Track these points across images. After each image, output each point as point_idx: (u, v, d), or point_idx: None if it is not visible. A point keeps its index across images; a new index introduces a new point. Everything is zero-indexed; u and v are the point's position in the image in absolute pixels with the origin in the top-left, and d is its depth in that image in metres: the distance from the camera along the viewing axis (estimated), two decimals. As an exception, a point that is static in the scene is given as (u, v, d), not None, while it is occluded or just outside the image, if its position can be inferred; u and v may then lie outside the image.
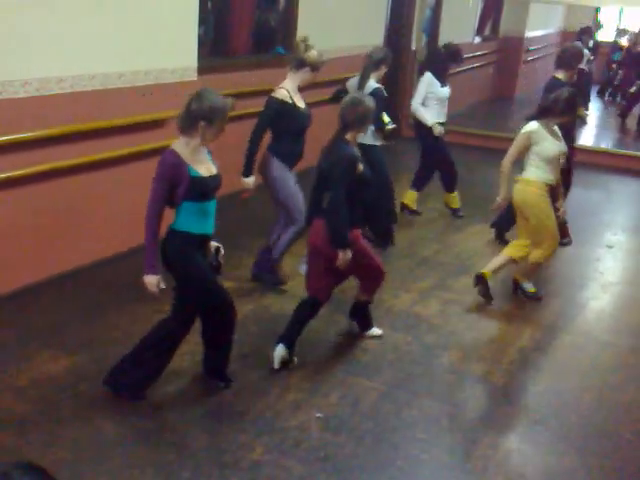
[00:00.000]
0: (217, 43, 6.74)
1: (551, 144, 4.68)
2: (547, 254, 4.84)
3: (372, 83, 5.41)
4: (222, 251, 3.55)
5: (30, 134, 4.33)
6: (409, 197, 6.63)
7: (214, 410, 3.49)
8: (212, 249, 3.51)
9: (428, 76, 6.29)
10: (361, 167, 3.81)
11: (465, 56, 7.10)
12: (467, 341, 4.40)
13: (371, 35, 8.61)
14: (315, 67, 4.61)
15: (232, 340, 3.64)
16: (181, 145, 3.27)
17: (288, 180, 4.64)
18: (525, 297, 5.03)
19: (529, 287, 5.02)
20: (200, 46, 5.70)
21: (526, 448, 3.40)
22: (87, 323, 4.21)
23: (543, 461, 3.31)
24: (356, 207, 3.85)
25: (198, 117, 3.20)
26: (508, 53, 13.08)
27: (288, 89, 4.58)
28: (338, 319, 4.49)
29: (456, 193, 6.68)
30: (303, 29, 7.26)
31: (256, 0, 7.06)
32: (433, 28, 10.39)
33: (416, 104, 6.30)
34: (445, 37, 10.43)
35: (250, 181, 4.62)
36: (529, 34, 13.63)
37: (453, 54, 6.45)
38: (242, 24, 6.83)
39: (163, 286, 3.36)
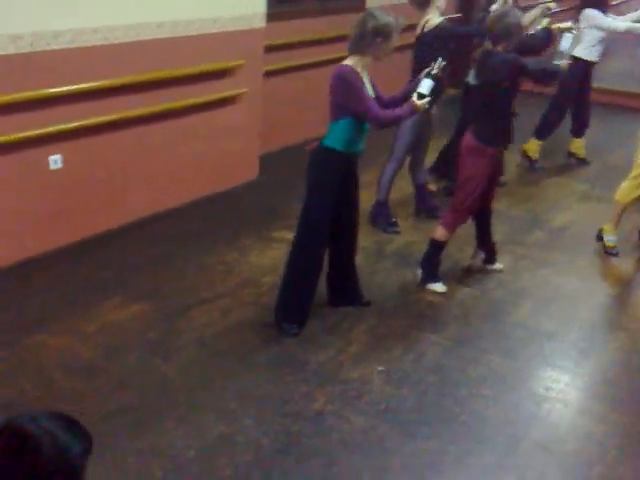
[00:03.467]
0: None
1: None
2: (632, 193, 4.62)
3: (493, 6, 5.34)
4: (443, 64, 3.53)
5: (101, 82, 4.35)
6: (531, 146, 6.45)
7: (277, 359, 3.49)
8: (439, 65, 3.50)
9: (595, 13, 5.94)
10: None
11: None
12: (539, 297, 4.22)
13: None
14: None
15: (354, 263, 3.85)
16: (353, 63, 3.38)
17: (418, 120, 4.63)
18: (604, 251, 4.78)
19: (609, 240, 4.77)
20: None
21: (598, 408, 3.24)
22: (152, 272, 4.27)
23: (616, 421, 3.15)
24: (501, 122, 3.96)
25: (375, 34, 3.30)
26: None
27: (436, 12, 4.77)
28: (403, 272, 4.40)
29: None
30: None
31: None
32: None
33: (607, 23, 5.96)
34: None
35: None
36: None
37: None
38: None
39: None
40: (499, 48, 3.88)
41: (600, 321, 4.00)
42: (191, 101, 5.00)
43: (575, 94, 6.17)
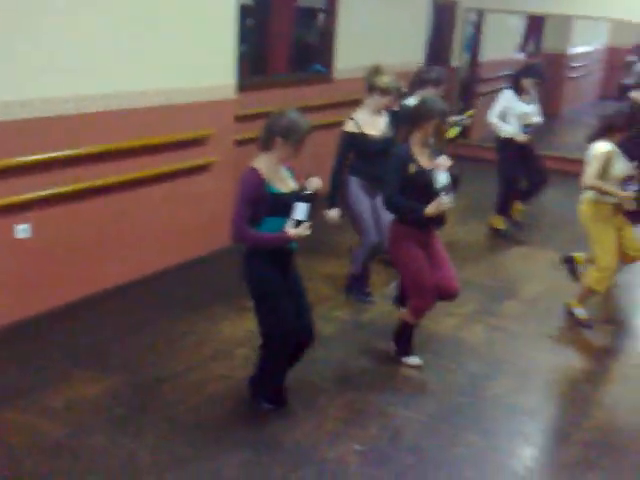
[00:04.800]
0: (256, 61, 6.71)
1: (623, 164, 4.50)
2: (604, 281, 4.63)
3: (410, 100, 5.29)
4: (317, 180, 3.36)
5: (73, 151, 4.33)
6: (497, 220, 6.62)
7: (250, 438, 3.37)
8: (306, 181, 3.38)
9: (508, 93, 6.23)
10: (413, 169, 3.77)
11: (508, 73, 6.97)
12: (514, 371, 4.20)
13: (412, 52, 8.50)
14: (385, 91, 4.64)
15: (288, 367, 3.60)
16: (261, 162, 3.32)
17: (362, 200, 4.73)
18: (577, 324, 4.81)
19: (580, 313, 4.81)
20: (240, 64, 5.66)
21: (579, 489, 3.19)
22: (124, 343, 4.16)
23: (598, 504, 3.10)
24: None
25: (275, 133, 3.24)
26: (552, 70, 12.80)
27: (355, 118, 4.70)
28: (379, 344, 4.35)
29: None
30: (342, 47, 7.22)
31: (295, 18, 7.02)
32: (475, 45, 10.24)
33: (491, 117, 6.25)
34: (487, 54, 10.31)
35: (334, 214, 4.70)
36: (573, 50, 13.36)
37: (525, 72, 6.36)
38: (281, 42, 6.80)
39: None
40: (414, 139, 3.84)
41: (577, 397, 3.98)
42: (165, 169, 4.99)
43: (515, 166, 6.30)
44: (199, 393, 3.70)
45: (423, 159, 3.82)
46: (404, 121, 4.08)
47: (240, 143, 5.68)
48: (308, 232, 3.27)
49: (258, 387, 3.62)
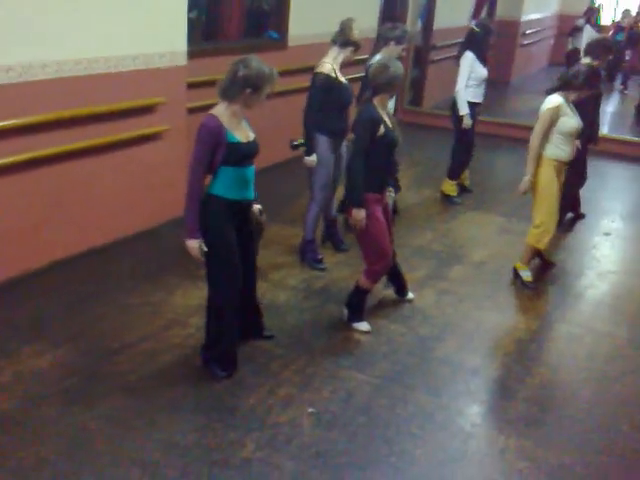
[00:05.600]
0: (209, 27, 6.59)
1: (571, 118, 4.64)
2: (545, 238, 4.78)
3: (375, 58, 5.31)
4: (264, 216, 3.59)
5: (19, 120, 4.22)
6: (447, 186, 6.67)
7: (205, 405, 3.41)
8: (255, 211, 3.55)
9: (470, 56, 6.20)
10: (382, 130, 3.87)
11: (459, 41, 6.98)
12: (462, 332, 4.32)
13: (365, 20, 8.44)
14: (357, 46, 4.72)
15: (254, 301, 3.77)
16: (221, 110, 3.29)
17: (327, 163, 4.78)
18: (522, 286, 4.95)
19: (525, 275, 4.95)
20: (191, 30, 5.56)
21: (523, 444, 3.32)
22: (73, 315, 4.12)
23: (540, 457, 3.23)
24: (379, 171, 3.96)
25: (245, 84, 3.22)
26: (504, 37, 12.92)
27: (332, 64, 4.67)
28: (330, 310, 4.41)
29: (454, 181, 6.63)
30: (296, 14, 7.14)
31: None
32: (428, 13, 10.24)
33: (461, 87, 6.22)
34: (440, 22, 10.33)
35: (313, 159, 4.74)
36: (525, 17, 13.48)
37: (489, 29, 6.37)
38: (234, 8, 6.68)
39: (205, 249, 3.35)
40: (375, 101, 3.94)
41: (522, 356, 4.12)
42: (113, 138, 4.91)
43: (473, 134, 6.41)
44: (152, 362, 3.71)
45: (386, 120, 3.95)
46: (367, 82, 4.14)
47: (192, 111, 5.60)
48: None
49: (210, 354, 3.65)
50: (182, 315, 4.22)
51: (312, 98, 4.68)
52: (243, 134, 3.35)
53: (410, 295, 4.62)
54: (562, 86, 4.65)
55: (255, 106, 3.34)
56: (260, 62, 3.26)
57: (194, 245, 3.35)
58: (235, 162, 3.30)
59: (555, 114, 4.60)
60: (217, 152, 3.26)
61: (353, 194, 3.96)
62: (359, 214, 3.92)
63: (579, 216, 6.41)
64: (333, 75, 4.65)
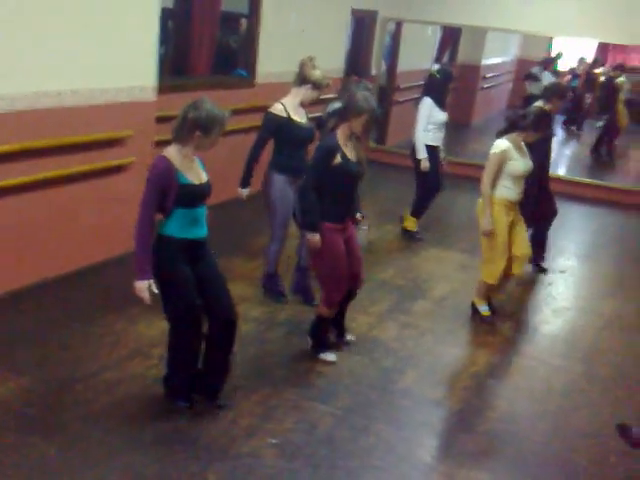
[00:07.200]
0: (178, 63, 6.69)
1: (517, 161, 4.78)
2: (495, 273, 4.88)
3: (335, 105, 5.41)
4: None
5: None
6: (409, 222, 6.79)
7: (166, 436, 3.38)
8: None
9: (428, 101, 6.36)
10: (339, 159, 3.89)
11: (422, 83, 7.21)
12: (423, 365, 4.39)
13: (332, 60, 8.67)
14: (317, 85, 4.73)
15: (224, 359, 3.58)
16: (173, 152, 3.29)
17: (286, 201, 4.72)
18: (480, 321, 5.07)
19: (483, 309, 5.07)
20: (161, 65, 5.65)
21: (482, 477, 3.37)
22: (38, 343, 4.08)
23: (498, 487, 3.30)
24: (337, 202, 3.99)
25: (194, 126, 3.21)
26: (465, 80, 13.36)
27: (284, 103, 4.72)
28: (293, 341, 4.45)
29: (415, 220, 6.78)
30: (264, 52, 7.31)
31: (218, 22, 7.05)
32: (392, 55, 10.56)
33: (419, 131, 6.37)
34: (404, 64, 10.64)
35: (245, 192, 4.82)
36: (486, 62, 13.96)
37: (449, 75, 6.56)
38: (203, 45, 6.80)
39: (155, 290, 3.33)
40: (339, 130, 3.96)
41: (481, 390, 4.20)
42: (82, 168, 4.93)
43: (437, 174, 6.55)
44: (114, 392, 3.68)
45: (347, 151, 3.98)
46: (332, 114, 4.16)
47: (159, 144, 5.65)
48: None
49: (172, 385, 3.63)
50: (145, 345, 4.21)
51: (258, 135, 4.78)
52: (195, 175, 3.32)
53: (349, 337, 4.54)
54: (509, 127, 4.82)
55: (206, 148, 3.32)
56: (212, 105, 3.24)
57: (143, 286, 3.31)
58: (187, 203, 3.28)
59: (502, 159, 4.74)
60: (168, 193, 3.23)
61: (305, 218, 4.02)
62: (313, 237, 3.96)
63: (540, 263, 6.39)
64: (283, 114, 4.65)
